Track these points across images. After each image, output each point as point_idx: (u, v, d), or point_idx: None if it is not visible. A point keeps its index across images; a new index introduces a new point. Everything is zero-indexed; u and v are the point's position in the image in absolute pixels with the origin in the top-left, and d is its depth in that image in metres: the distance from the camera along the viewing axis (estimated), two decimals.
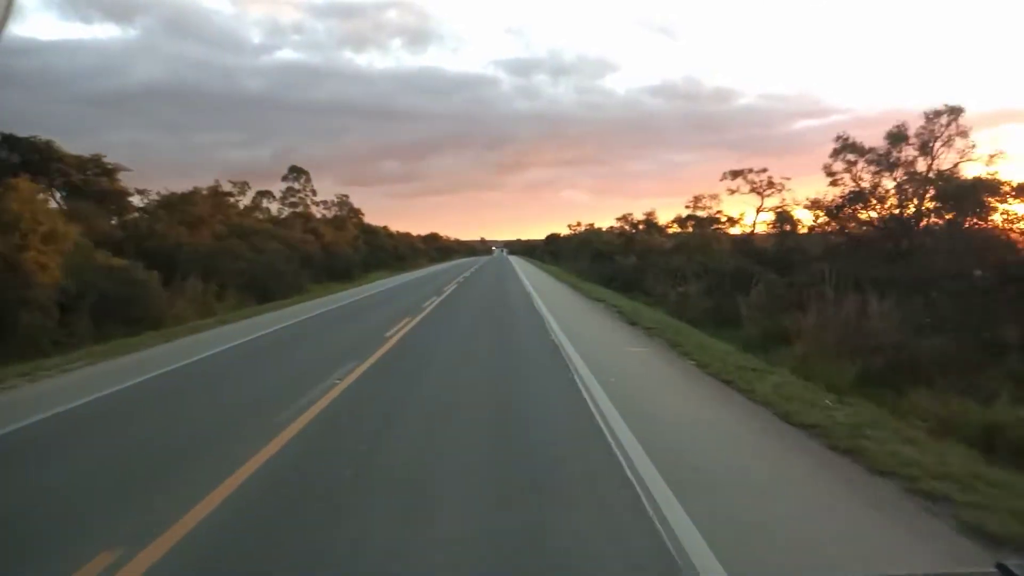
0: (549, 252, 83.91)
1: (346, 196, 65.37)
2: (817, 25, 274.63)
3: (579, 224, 72.30)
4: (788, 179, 34.45)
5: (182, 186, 35.30)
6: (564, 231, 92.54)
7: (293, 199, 66.70)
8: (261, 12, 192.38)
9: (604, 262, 38.66)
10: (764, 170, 35.38)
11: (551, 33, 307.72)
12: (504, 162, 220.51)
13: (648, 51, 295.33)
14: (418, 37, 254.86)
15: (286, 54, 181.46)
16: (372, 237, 63.08)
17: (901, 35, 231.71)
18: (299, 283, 35.27)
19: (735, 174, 35.82)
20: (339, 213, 59.63)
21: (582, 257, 53.45)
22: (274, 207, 63.88)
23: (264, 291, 29.99)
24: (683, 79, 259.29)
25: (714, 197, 36.93)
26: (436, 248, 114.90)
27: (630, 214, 43.10)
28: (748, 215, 36.41)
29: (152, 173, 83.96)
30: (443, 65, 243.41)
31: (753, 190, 35.56)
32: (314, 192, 67.32)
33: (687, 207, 37.24)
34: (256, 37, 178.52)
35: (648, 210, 41.97)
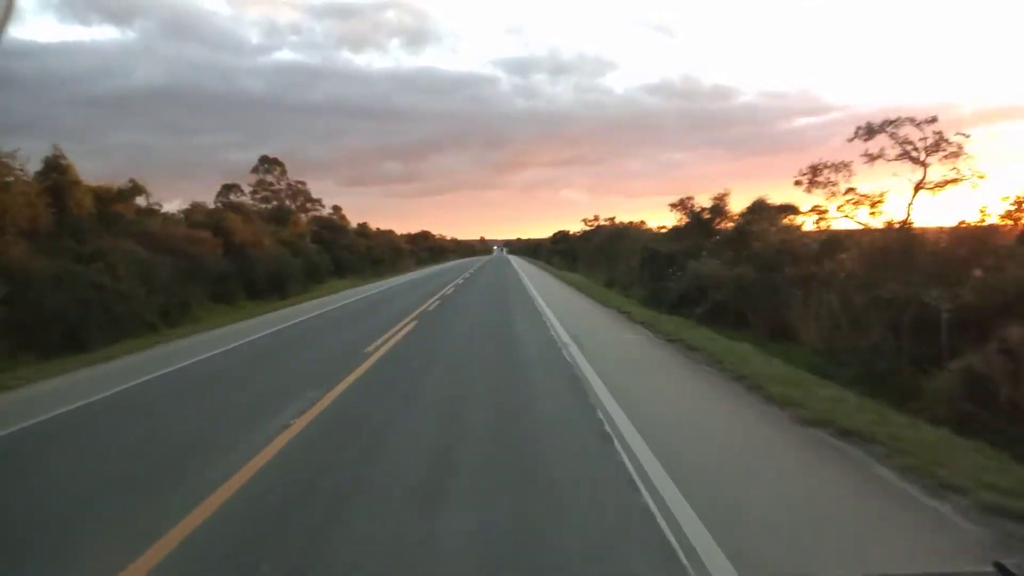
0: (559, 253, 69.89)
1: (303, 183, 51.55)
2: (815, 22, 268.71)
3: (596, 219, 58.28)
4: (967, 135, 20.39)
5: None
6: (573, 228, 78.80)
7: (266, 193, 54.43)
8: (259, 13, 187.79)
9: (663, 269, 24.73)
10: (931, 119, 21.26)
11: (550, 32, 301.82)
12: (503, 161, 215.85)
13: (647, 49, 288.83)
14: (416, 37, 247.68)
15: (284, 55, 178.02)
16: (336, 235, 49.24)
17: (898, 32, 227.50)
18: (179, 304, 21.71)
19: (873, 130, 21.92)
20: (286, 204, 45.63)
21: (616, 261, 39.47)
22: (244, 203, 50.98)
23: (71, 331, 16.28)
24: (681, 77, 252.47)
25: (841, 168, 22.93)
26: (427, 248, 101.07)
27: (690, 198, 29.05)
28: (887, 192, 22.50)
29: (154, 176, 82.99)
30: (442, 65, 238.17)
31: (905, 154, 21.57)
32: (290, 187, 54.97)
33: (797, 183, 23.29)
34: (254, 38, 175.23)
35: (719, 192, 27.93)
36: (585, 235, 56.61)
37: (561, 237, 79.81)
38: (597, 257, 46.13)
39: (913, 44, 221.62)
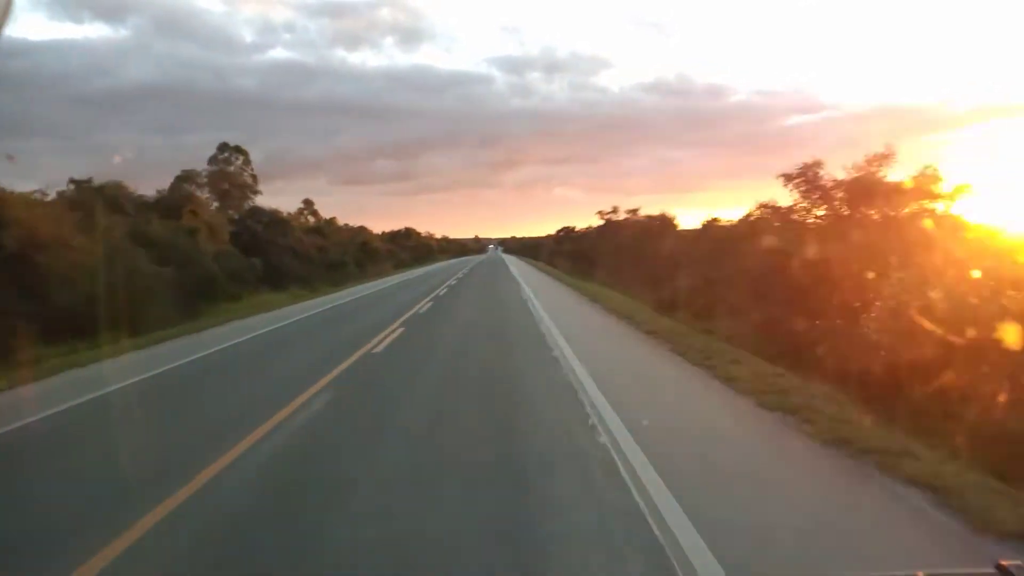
0: (565, 253, 57.43)
1: (226, 163, 38.93)
2: (810, 20, 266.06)
3: (614, 210, 45.80)
4: None
5: None
6: (580, 224, 66.40)
7: (225, 185, 42.97)
8: (252, 11, 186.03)
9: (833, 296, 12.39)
10: None
11: (544, 30, 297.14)
12: (498, 160, 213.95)
13: (641, 48, 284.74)
14: (411, 35, 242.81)
15: (278, 53, 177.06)
16: (273, 233, 36.81)
17: (891, 30, 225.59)
18: None
19: None
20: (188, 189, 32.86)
21: (653, 266, 27.15)
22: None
23: None
24: (676, 76, 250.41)
25: None
26: (410, 248, 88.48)
27: (816, 164, 16.76)
28: None
29: (147, 174, 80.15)
30: (436, 63, 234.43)
31: None
32: (255, 178, 44.53)
33: None
34: (248, 36, 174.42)
35: (879, 152, 15.84)
36: (603, 231, 44.17)
37: (566, 235, 67.30)
38: (623, 260, 33.78)
39: (906, 42, 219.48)
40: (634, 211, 44.00)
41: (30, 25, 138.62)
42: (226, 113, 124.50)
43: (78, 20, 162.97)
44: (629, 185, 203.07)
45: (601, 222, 48.14)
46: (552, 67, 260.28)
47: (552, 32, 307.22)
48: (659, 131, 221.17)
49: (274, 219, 38.33)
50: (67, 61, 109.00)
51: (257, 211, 38.59)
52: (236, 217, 38.82)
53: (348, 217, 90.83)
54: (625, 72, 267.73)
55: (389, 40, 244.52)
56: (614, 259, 35.07)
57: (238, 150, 47.08)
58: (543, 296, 23.05)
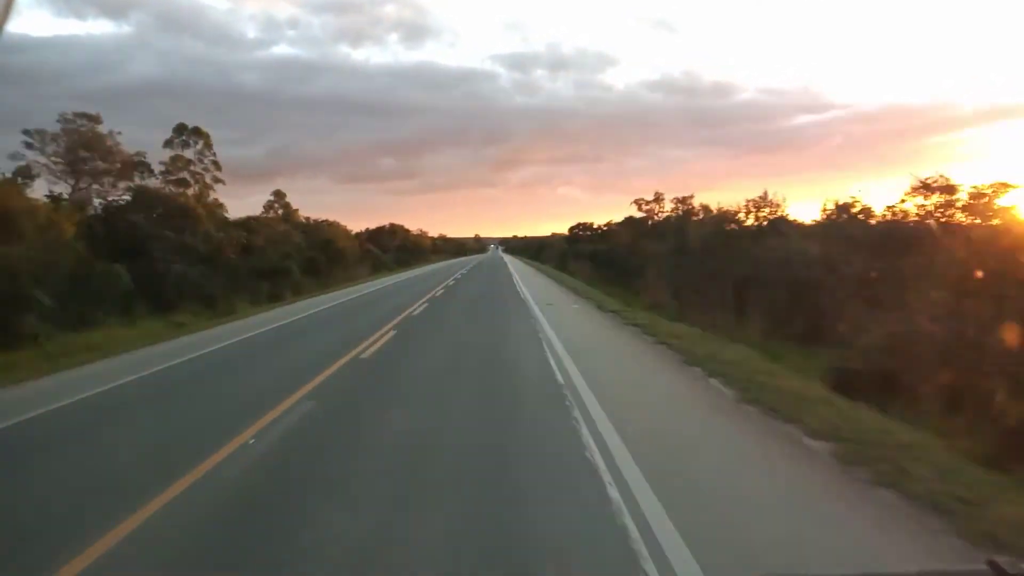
0: (581, 255, 45.02)
1: (93, 119, 26.36)
2: (818, 19, 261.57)
3: (657, 198, 33.39)
4: None
5: None
6: (597, 222, 54.11)
7: (182, 174, 34.77)
8: (256, 7, 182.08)
9: None
10: None
11: (549, 27, 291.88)
12: (501, 159, 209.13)
13: (647, 45, 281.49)
14: (415, 31, 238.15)
15: (282, 49, 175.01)
16: (168, 227, 24.56)
17: (900, 31, 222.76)
18: None
19: None
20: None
21: (751, 283, 15.00)
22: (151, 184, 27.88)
23: None
24: (682, 73, 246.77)
25: None
26: (396, 248, 76.05)
27: None
28: None
29: None
30: (440, 60, 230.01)
31: None
32: (217, 165, 36.30)
33: None
34: (251, 32, 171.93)
35: None
36: (641, 228, 31.66)
37: (581, 233, 54.71)
38: (695, 274, 21.47)
39: (914, 43, 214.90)
40: (684, 199, 31.67)
41: (33, 22, 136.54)
42: (229, 110, 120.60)
43: (81, 16, 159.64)
44: (633, 185, 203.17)
45: (635, 217, 35.74)
46: (557, 64, 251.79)
47: (557, 29, 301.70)
48: (664, 129, 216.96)
49: (169, 207, 25.83)
50: (70, 57, 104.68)
51: (144, 194, 26.13)
52: (116, 205, 26.55)
53: (348, 216, 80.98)
54: (631, 69, 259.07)
55: (393, 36, 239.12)
56: (678, 270, 22.84)
57: (198, 132, 36.52)
58: (607, 373, 10.50)
